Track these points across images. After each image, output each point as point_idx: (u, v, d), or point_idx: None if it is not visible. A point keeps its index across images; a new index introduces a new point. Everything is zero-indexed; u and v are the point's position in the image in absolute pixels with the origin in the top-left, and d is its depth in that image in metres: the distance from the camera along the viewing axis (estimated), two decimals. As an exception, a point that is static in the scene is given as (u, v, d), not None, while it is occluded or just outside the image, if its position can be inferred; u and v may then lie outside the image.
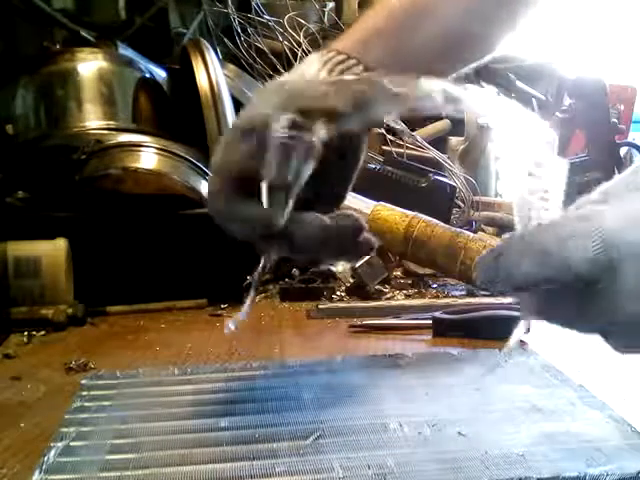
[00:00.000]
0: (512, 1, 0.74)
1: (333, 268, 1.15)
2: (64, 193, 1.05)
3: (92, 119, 1.19)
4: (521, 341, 0.86)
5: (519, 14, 0.75)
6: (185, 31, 1.74)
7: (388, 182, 1.28)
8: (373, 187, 1.23)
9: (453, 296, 1.08)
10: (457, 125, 1.76)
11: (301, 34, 1.62)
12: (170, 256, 1.06)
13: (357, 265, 1.07)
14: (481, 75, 1.84)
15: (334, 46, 0.67)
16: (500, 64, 1.95)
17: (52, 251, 0.99)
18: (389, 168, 1.30)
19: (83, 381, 0.74)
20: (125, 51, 1.43)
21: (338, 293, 1.09)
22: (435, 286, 1.14)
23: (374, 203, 1.12)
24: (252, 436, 0.60)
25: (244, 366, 0.78)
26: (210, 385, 0.72)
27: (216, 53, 1.26)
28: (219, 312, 1.03)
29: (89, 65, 1.23)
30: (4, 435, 0.63)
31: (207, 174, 1.10)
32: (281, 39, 1.62)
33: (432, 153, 1.52)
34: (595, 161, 1.77)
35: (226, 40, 1.64)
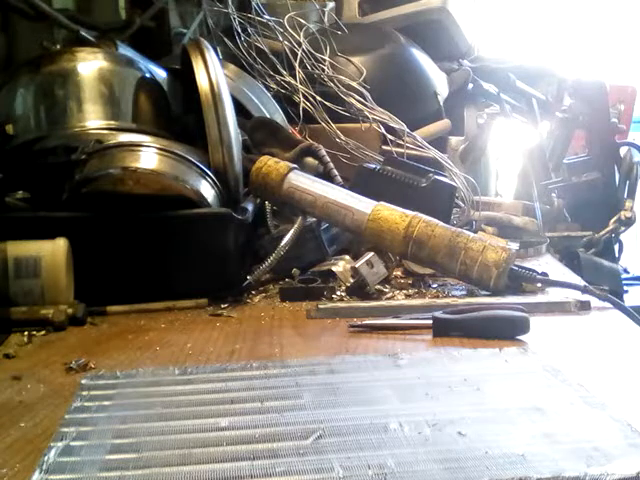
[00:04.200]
0: None
1: (333, 268, 1.15)
2: (64, 193, 1.05)
3: (92, 119, 1.19)
4: (521, 341, 0.86)
5: None
6: (185, 31, 1.74)
7: (388, 182, 1.28)
8: (373, 187, 1.23)
9: (453, 296, 1.08)
10: (457, 125, 1.77)
11: (301, 34, 1.62)
12: (170, 256, 1.06)
13: (357, 265, 1.07)
14: (481, 75, 1.84)
15: None
16: (500, 64, 1.95)
17: (52, 251, 0.99)
18: (389, 168, 1.30)
19: (83, 381, 0.74)
20: (125, 51, 1.43)
21: (338, 293, 1.09)
22: (435, 286, 1.14)
23: (374, 203, 1.11)
24: (252, 436, 0.60)
25: (244, 366, 0.78)
26: (210, 385, 0.72)
27: (216, 53, 1.26)
28: (219, 312, 1.03)
29: (89, 65, 1.23)
30: (4, 435, 0.63)
31: (207, 174, 1.10)
32: (281, 39, 1.62)
33: (432, 153, 1.52)
34: (595, 161, 1.77)
35: (226, 40, 1.64)
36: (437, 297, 1.08)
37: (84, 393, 0.70)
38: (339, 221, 1.13)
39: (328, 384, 0.71)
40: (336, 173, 1.34)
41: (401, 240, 1.07)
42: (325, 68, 1.59)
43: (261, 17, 1.65)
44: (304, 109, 1.54)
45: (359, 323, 0.94)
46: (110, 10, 1.72)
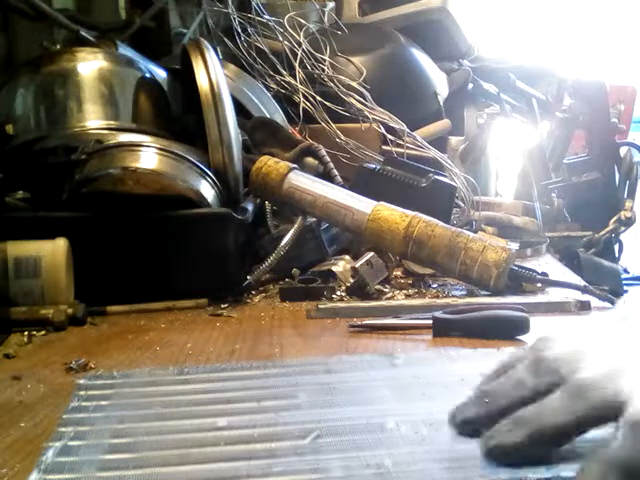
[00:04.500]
0: None
1: (333, 268, 1.15)
2: (64, 193, 1.05)
3: (92, 119, 1.19)
4: (521, 341, 0.86)
5: None
6: (185, 31, 1.74)
7: (388, 182, 1.28)
8: (373, 187, 1.23)
9: (453, 296, 1.08)
10: (457, 125, 1.77)
11: (301, 34, 1.62)
12: (170, 256, 1.06)
13: (357, 265, 1.07)
14: (481, 75, 1.84)
15: None
16: (500, 64, 1.95)
17: (52, 251, 0.99)
18: (389, 168, 1.30)
19: (81, 381, 0.74)
20: (125, 51, 1.43)
21: (338, 293, 1.09)
22: (435, 286, 1.14)
23: (374, 203, 1.12)
24: (250, 436, 0.59)
25: (244, 366, 0.78)
26: (209, 385, 0.72)
27: (216, 53, 1.26)
28: (219, 312, 1.03)
29: (89, 65, 1.24)
30: (4, 435, 0.63)
31: (207, 174, 1.10)
32: (281, 39, 1.62)
33: (432, 153, 1.52)
34: (595, 161, 1.77)
35: (226, 40, 1.64)
36: (437, 297, 1.08)
37: (81, 393, 0.70)
38: (339, 221, 1.13)
39: (325, 384, 0.71)
40: (336, 173, 1.34)
41: (401, 240, 1.07)
42: (325, 68, 1.59)
43: (261, 17, 1.65)
44: (304, 109, 1.54)
45: (359, 323, 0.94)
46: (110, 10, 1.72)
